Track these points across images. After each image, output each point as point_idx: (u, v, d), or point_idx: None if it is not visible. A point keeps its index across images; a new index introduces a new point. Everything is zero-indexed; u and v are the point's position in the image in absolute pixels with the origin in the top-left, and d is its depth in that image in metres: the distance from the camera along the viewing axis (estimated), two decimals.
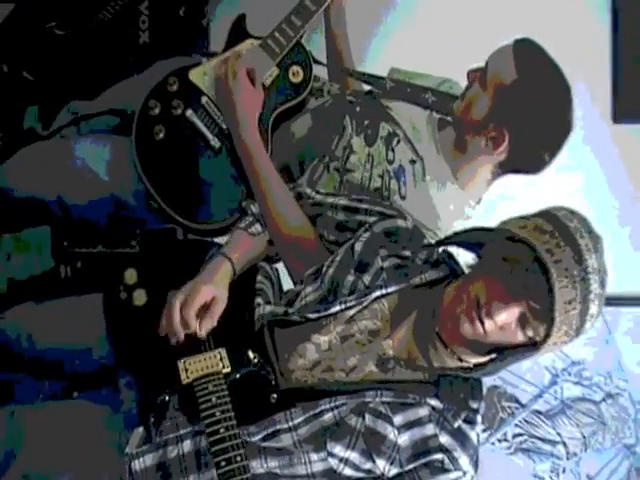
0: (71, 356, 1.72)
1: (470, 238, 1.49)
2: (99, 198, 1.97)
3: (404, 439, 1.40)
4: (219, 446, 1.32)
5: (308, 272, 1.62)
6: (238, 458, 1.30)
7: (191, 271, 1.59)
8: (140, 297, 1.61)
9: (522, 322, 1.34)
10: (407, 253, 1.58)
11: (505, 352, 1.40)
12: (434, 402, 1.43)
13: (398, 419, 1.41)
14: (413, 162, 1.81)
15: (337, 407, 1.41)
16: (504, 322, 1.34)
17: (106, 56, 2.50)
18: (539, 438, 2.66)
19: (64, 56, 2.45)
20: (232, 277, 1.60)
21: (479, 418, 1.46)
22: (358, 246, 1.58)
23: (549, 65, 1.70)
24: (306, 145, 1.92)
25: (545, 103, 1.68)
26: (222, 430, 1.33)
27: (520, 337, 1.36)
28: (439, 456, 1.40)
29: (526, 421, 2.66)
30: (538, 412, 2.67)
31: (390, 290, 1.51)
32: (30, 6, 2.42)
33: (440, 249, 1.60)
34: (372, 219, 1.63)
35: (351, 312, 1.51)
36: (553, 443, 2.65)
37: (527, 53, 1.70)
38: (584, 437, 2.65)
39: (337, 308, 1.50)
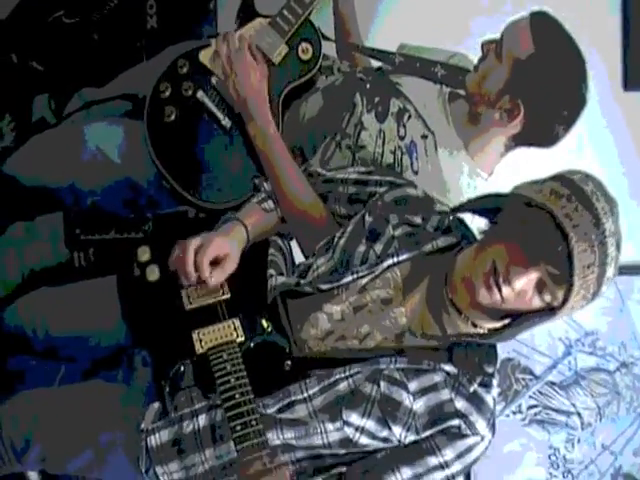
0: (86, 340, 1.74)
1: (485, 204, 1.48)
2: (114, 182, 1.98)
3: (419, 405, 1.41)
4: (235, 411, 1.34)
5: (320, 244, 1.63)
6: (253, 422, 1.32)
7: None
8: (153, 272, 1.62)
9: (540, 287, 1.34)
10: (418, 220, 1.58)
11: (521, 317, 1.40)
12: (449, 367, 1.43)
13: (413, 385, 1.42)
14: (425, 137, 1.81)
15: (351, 376, 1.42)
16: (522, 288, 1.33)
17: (114, 42, 2.51)
18: (553, 409, 2.67)
19: (73, 44, 2.46)
20: (245, 243, 1.62)
21: (495, 382, 1.46)
22: (369, 216, 1.59)
23: (565, 39, 1.71)
24: (318, 124, 1.92)
25: (561, 77, 1.69)
26: (237, 396, 1.35)
27: (537, 303, 1.35)
28: (456, 422, 1.41)
29: (540, 392, 2.66)
30: (552, 383, 2.67)
31: (402, 258, 1.51)
32: None
33: (451, 216, 1.61)
34: (382, 189, 1.64)
35: (363, 281, 1.51)
36: (567, 414, 2.66)
37: (544, 27, 1.70)
38: (598, 407, 2.66)
39: (349, 278, 1.51)
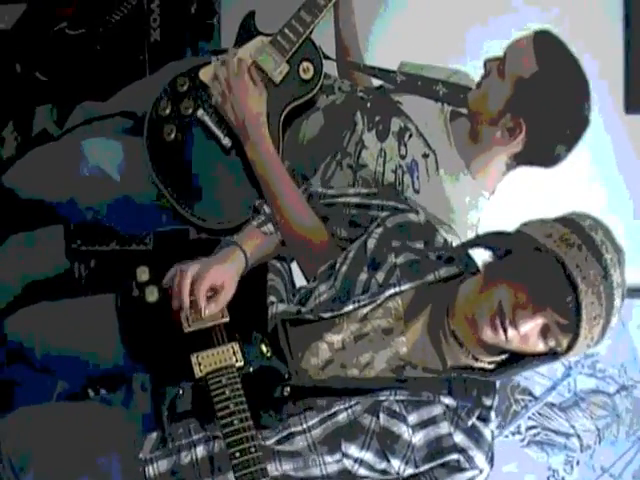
0: (84, 361, 1.72)
1: (495, 244, 1.47)
2: (112, 200, 1.97)
3: (418, 438, 1.40)
4: (234, 437, 1.32)
5: (321, 269, 1.62)
6: (252, 449, 1.31)
7: None
8: (152, 294, 1.59)
9: (544, 332, 1.33)
10: (420, 247, 1.57)
11: (525, 359, 1.40)
12: (448, 400, 1.42)
13: (412, 418, 1.41)
14: (426, 156, 1.81)
15: (351, 407, 1.41)
16: (527, 332, 1.33)
17: (118, 55, 2.51)
18: (553, 430, 2.65)
19: (76, 56, 2.47)
20: (244, 269, 1.60)
21: (493, 415, 1.46)
22: (371, 243, 1.58)
23: (569, 58, 1.70)
24: (318, 144, 1.92)
25: (564, 96, 1.68)
26: (236, 422, 1.34)
27: (541, 347, 1.35)
28: (455, 456, 1.41)
29: (539, 414, 2.66)
30: (551, 404, 2.66)
31: (403, 288, 1.50)
32: (42, 7, 2.44)
33: (454, 244, 1.61)
34: (384, 214, 1.63)
35: (364, 311, 1.50)
36: (567, 435, 2.65)
37: (548, 46, 1.70)
38: (598, 429, 2.65)
39: (350, 307, 1.49)
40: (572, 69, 1.70)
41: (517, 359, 1.42)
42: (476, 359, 1.45)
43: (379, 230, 1.59)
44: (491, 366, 1.47)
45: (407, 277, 1.51)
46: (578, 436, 2.64)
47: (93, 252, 2.28)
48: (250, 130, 1.81)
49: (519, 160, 1.78)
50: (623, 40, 2.70)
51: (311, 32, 1.88)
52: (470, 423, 1.43)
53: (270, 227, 1.71)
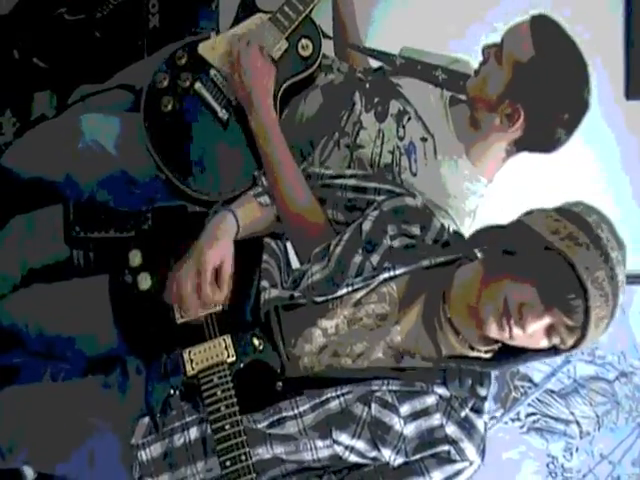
0: (79, 342, 1.72)
1: (499, 242, 1.41)
2: (109, 174, 1.95)
3: (410, 429, 1.40)
4: (224, 444, 1.32)
5: (315, 250, 1.61)
6: (243, 457, 1.31)
7: None
8: (145, 281, 1.60)
9: (550, 331, 1.31)
10: (416, 231, 1.55)
11: (526, 354, 1.39)
12: (441, 390, 1.41)
13: (404, 409, 1.40)
14: (424, 140, 1.80)
15: (343, 395, 1.41)
16: (534, 331, 1.31)
17: (116, 41, 2.50)
18: (552, 417, 2.66)
19: (74, 42, 2.46)
20: (236, 233, 1.59)
21: (486, 406, 1.45)
22: (366, 225, 1.56)
23: (567, 42, 1.68)
24: (316, 123, 1.91)
25: (562, 81, 1.66)
26: (227, 427, 1.34)
27: (545, 343, 1.33)
28: (445, 447, 1.40)
29: (539, 400, 2.66)
30: (551, 391, 2.66)
31: (398, 272, 1.48)
32: None
33: (451, 230, 1.60)
34: (381, 198, 1.61)
35: (358, 295, 1.49)
36: (566, 422, 2.65)
37: (545, 30, 1.68)
38: (597, 416, 2.65)
39: (344, 291, 1.48)
40: (570, 53, 1.68)
41: (517, 351, 1.39)
42: (472, 348, 1.43)
43: (375, 213, 1.58)
44: (487, 355, 1.45)
45: (402, 261, 1.49)
46: (577, 423, 2.64)
47: (92, 239, 2.27)
48: (256, 100, 1.79)
49: (519, 146, 1.77)
50: (623, 28, 2.69)
51: (311, 11, 1.87)
52: (463, 414, 1.42)
53: (267, 199, 1.70)
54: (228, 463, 1.30)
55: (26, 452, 1.55)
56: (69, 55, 2.46)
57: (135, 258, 1.62)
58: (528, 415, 2.66)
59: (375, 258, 1.51)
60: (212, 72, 1.87)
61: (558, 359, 2.65)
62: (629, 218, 2.63)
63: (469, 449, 1.40)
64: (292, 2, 1.85)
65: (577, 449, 2.65)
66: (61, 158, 1.96)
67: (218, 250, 1.52)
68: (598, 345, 2.66)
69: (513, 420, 2.65)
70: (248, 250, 1.62)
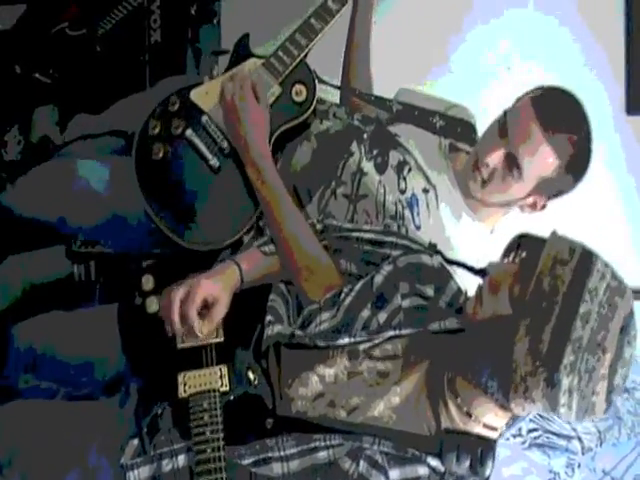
0: (89, 370, 1.73)
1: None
2: (104, 219, 1.95)
3: None
4: (204, 467, 1.31)
5: (327, 296, 1.56)
6: None
7: None
8: (152, 304, 1.62)
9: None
10: (430, 292, 1.51)
11: None
12: (435, 463, 1.34)
13: (394, 474, 1.33)
14: (426, 191, 1.79)
15: (332, 447, 1.35)
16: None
17: (118, 56, 2.51)
18: (554, 433, 2.64)
19: (76, 57, 2.47)
20: (238, 284, 1.57)
21: None
22: (378, 278, 1.52)
23: (581, 125, 1.69)
24: (311, 171, 1.88)
25: (577, 162, 1.70)
26: (209, 450, 1.33)
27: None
28: None
29: (541, 416, 2.64)
30: None
31: (404, 333, 1.44)
32: (42, 7, 2.43)
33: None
34: (397, 252, 1.58)
35: (361, 347, 1.45)
36: (568, 438, 2.63)
37: (561, 133, 1.66)
38: (599, 432, 2.63)
39: (346, 340, 1.44)
40: (583, 135, 1.69)
41: None
42: (470, 416, 1.36)
43: (389, 268, 1.54)
44: (495, 435, 1.38)
45: (410, 322, 1.44)
46: (579, 438, 2.63)
47: (93, 254, 2.27)
48: (252, 143, 1.76)
49: None
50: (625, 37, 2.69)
51: (306, 55, 1.86)
52: None
53: (271, 247, 1.67)
54: None
55: (23, 468, 1.54)
56: (71, 70, 2.47)
57: (148, 282, 1.64)
58: (530, 431, 2.64)
59: (383, 316, 1.47)
60: (204, 118, 1.84)
61: None
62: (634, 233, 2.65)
63: None
64: (286, 46, 1.84)
65: (579, 465, 2.63)
66: (55, 201, 1.96)
67: (215, 287, 1.50)
68: None
69: (515, 436, 2.63)
70: (255, 291, 1.61)
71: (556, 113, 1.65)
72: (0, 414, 1.65)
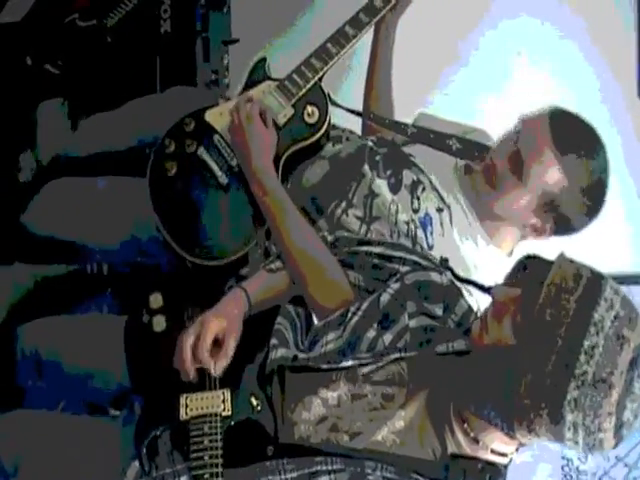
0: (92, 379, 1.73)
1: None
2: (121, 241, 1.98)
3: None
4: None
5: (333, 316, 1.53)
6: None
7: (214, 301, 1.57)
8: (159, 324, 1.62)
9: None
10: (438, 312, 1.46)
11: None
12: None
13: None
14: (440, 210, 1.78)
15: (334, 472, 1.30)
16: None
17: (128, 46, 2.52)
18: None
19: (87, 48, 2.47)
20: (247, 309, 1.55)
21: None
22: (385, 297, 1.48)
23: (591, 151, 1.68)
24: (322, 190, 1.88)
25: (591, 194, 1.69)
26: (207, 476, 1.31)
27: None
28: None
29: None
30: None
31: (410, 354, 1.39)
32: None
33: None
34: (405, 269, 1.54)
35: (365, 370, 1.40)
36: None
37: (571, 150, 1.66)
38: None
39: (349, 363, 1.40)
40: (596, 164, 1.68)
41: None
42: (477, 442, 1.30)
43: (396, 286, 1.49)
44: (505, 461, 1.33)
45: (416, 344, 1.40)
46: None
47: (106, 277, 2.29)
48: (256, 161, 1.78)
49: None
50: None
51: (320, 79, 1.89)
52: None
53: (278, 264, 1.65)
54: None
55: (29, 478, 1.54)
56: (81, 61, 2.48)
57: (156, 301, 1.64)
58: None
59: (388, 337, 1.43)
60: (216, 138, 1.88)
61: None
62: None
63: None
64: (301, 69, 1.87)
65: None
66: (74, 219, 1.99)
67: (222, 322, 1.48)
68: None
69: None
70: (263, 315, 1.59)
71: (572, 137, 1.67)
72: (5, 423, 1.65)
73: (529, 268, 1.27)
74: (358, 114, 2.04)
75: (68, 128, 2.40)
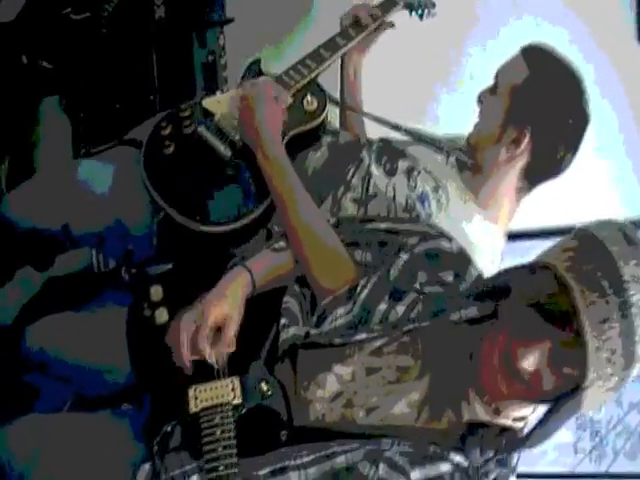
0: (98, 375, 1.70)
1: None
2: (104, 226, 1.91)
3: None
4: None
5: (342, 290, 1.49)
6: None
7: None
8: (162, 316, 1.59)
9: (555, 362, 1.19)
10: (450, 279, 1.45)
11: (548, 414, 1.25)
12: (458, 458, 1.28)
13: (416, 474, 1.26)
14: (436, 189, 1.80)
15: (350, 451, 1.29)
16: (535, 367, 1.20)
17: (124, 35, 2.47)
18: None
19: (82, 41, 2.42)
20: (252, 289, 1.52)
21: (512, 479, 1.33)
22: (395, 269, 1.46)
23: (559, 59, 1.74)
24: (323, 176, 1.89)
25: (560, 94, 1.72)
26: (221, 468, 1.28)
27: (558, 382, 1.21)
28: None
29: None
30: None
31: (423, 325, 1.37)
32: None
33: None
34: (413, 240, 1.51)
35: (378, 343, 1.38)
36: None
37: (536, 52, 1.76)
38: None
39: (363, 336, 1.37)
40: (564, 68, 1.74)
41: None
42: (499, 413, 1.30)
43: (405, 257, 1.47)
44: (520, 424, 1.32)
45: (429, 313, 1.38)
46: None
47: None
48: (265, 133, 1.71)
49: (529, 176, 1.78)
50: None
51: (317, 76, 1.91)
52: None
53: (282, 243, 1.61)
54: None
55: None
56: (77, 55, 2.43)
57: (156, 293, 1.62)
58: None
59: (401, 308, 1.40)
60: (216, 118, 1.84)
61: None
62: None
63: None
64: (297, 67, 1.89)
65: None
66: (57, 207, 1.92)
67: (223, 308, 1.45)
68: None
69: None
70: (271, 292, 1.56)
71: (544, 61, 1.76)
72: (16, 428, 1.62)
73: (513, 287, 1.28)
74: (351, 109, 2.09)
75: None
